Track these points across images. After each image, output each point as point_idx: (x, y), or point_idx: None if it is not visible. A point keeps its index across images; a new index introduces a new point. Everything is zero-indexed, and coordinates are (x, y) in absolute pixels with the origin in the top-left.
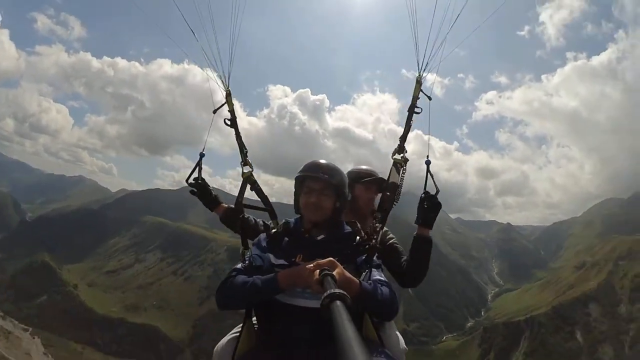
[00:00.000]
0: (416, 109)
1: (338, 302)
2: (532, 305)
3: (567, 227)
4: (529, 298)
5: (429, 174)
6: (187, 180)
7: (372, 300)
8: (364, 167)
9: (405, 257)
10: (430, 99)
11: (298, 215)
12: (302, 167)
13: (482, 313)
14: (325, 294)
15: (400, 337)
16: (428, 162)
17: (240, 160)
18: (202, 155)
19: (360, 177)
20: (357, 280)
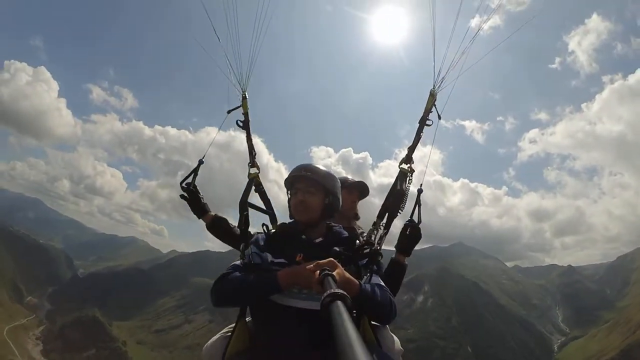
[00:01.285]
0: (427, 122)
1: (338, 302)
2: (600, 350)
3: (630, 260)
4: (596, 344)
5: (417, 204)
6: (181, 183)
7: (372, 302)
8: (343, 174)
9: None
10: (440, 117)
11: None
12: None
13: None
14: (325, 294)
15: (396, 338)
16: (420, 191)
17: (249, 161)
18: (200, 162)
19: (342, 182)
20: (357, 282)
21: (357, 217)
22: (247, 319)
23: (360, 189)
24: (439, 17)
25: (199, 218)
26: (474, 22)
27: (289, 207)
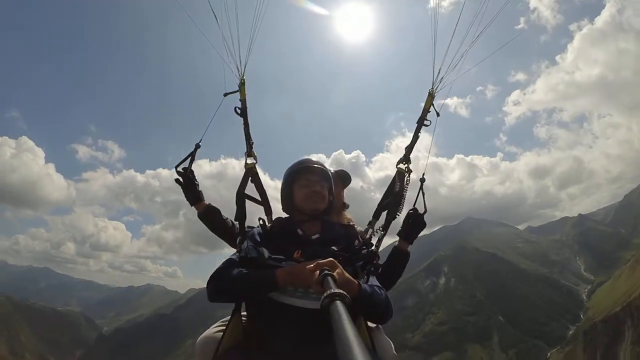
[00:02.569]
0: (425, 122)
1: (338, 302)
2: (628, 289)
3: (638, 196)
4: (623, 284)
5: (421, 191)
6: (176, 167)
7: (371, 302)
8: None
9: (380, 263)
10: (438, 115)
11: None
12: (290, 166)
13: (582, 316)
14: (325, 294)
15: (391, 343)
16: (422, 180)
17: (245, 150)
18: (197, 145)
19: None
20: (357, 282)
21: (345, 207)
22: (242, 313)
23: (343, 179)
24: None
25: (192, 205)
26: (473, 26)
27: (291, 198)
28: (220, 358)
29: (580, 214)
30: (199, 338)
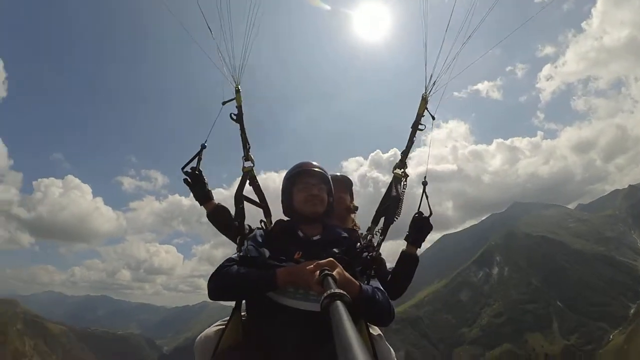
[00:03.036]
0: (420, 126)
1: (338, 302)
2: None
3: None
4: None
5: (424, 194)
6: (182, 168)
7: (371, 303)
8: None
9: (388, 269)
10: (434, 118)
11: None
12: (290, 168)
13: None
14: (325, 294)
15: (392, 350)
16: (425, 183)
17: (242, 155)
18: (203, 146)
19: None
20: (357, 282)
21: (350, 211)
22: (242, 313)
23: (346, 184)
24: (431, 21)
25: (201, 205)
26: (465, 26)
27: (290, 201)
28: (219, 357)
29: (630, 185)
30: (199, 337)
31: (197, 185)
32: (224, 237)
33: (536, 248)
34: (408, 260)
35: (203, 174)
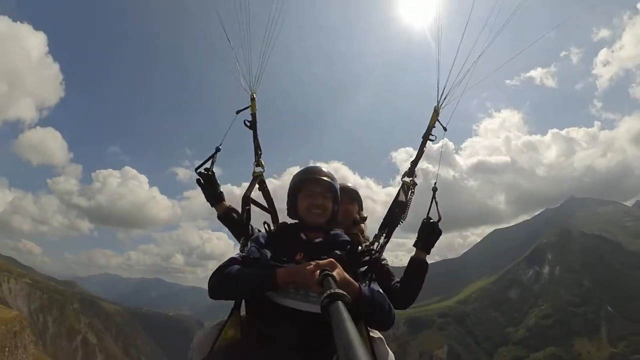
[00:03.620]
0: (430, 137)
1: (338, 302)
2: None
3: None
4: None
5: (434, 200)
6: (196, 170)
7: (371, 305)
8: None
9: (396, 280)
10: (445, 129)
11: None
12: (298, 172)
13: None
14: (325, 294)
15: (392, 355)
16: (435, 189)
17: (254, 160)
18: (217, 149)
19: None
20: (357, 284)
21: (357, 223)
22: (242, 313)
23: (351, 197)
24: (445, 34)
25: (212, 206)
26: (480, 40)
27: (295, 206)
28: (216, 353)
29: None
30: (197, 334)
31: (209, 187)
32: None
33: (590, 248)
34: (417, 266)
35: (216, 176)
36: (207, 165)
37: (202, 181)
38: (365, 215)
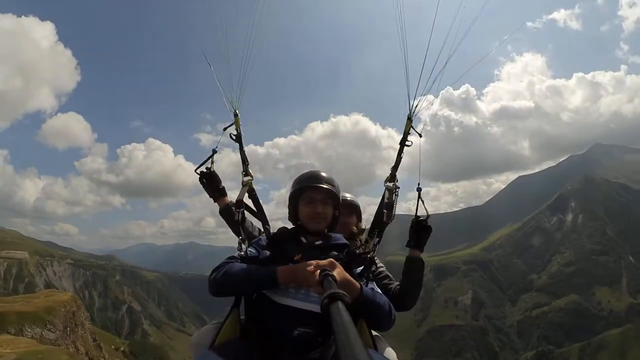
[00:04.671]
0: (407, 143)
1: (339, 302)
2: None
3: None
4: None
5: (420, 200)
6: (196, 170)
7: (371, 305)
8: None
9: (395, 283)
10: (420, 136)
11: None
12: (299, 177)
13: None
14: (325, 294)
15: (394, 352)
16: (419, 190)
17: (242, 170)
18: (214, 151)
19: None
20: (357, 284)
21: (354, 236)
22: (242, 312)
23: (352, 209)
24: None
25: (215, 201)
26: (447, 45)
27: (296, 212)
28: (215, 351)
29: None
30: (196, 332)
31: (212, 184)
32: None
33: (614, 196)
34: (414, 264)
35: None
36: (208, 164)
37: (204, 180)
38: (364, 227)
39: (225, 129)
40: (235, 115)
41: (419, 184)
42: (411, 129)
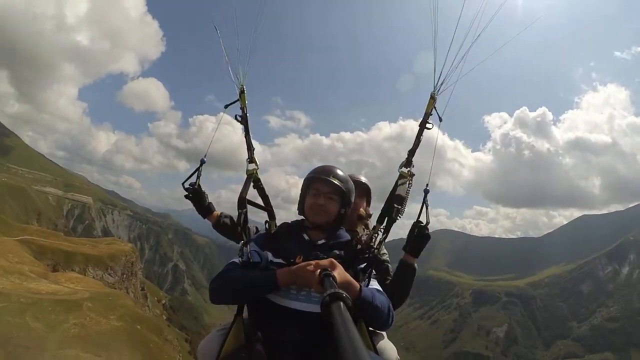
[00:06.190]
0: (427, 125)
1: (339, 303)
2: None
3: None
4: None
5: (424, 204)
6: (183, 184)
7: (371, 305)
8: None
9: (388, 279)
10: (441, 120)
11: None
12: (312, 170)
13: None
14: (325, 294)
15: (394, 347)
16: (426, 192)
17: (247, 157)
18: (202, 161)
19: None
20: (357, 284)
21: (360, 219)
22: (245, 318)
23: (361, 191)
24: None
25: (204, 218)
26: (474, 25)
27: (301, 203)
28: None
29: None
30: (201, 342)
31: (198, 201)
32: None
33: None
34: (406, 271)
35: (202, 188)
36: (193, 179)
37: (190, 196)
38: (371, 213)
39: (226, 106)
40: (242, 92)
41: (427, 185)
42: (433, 109)
